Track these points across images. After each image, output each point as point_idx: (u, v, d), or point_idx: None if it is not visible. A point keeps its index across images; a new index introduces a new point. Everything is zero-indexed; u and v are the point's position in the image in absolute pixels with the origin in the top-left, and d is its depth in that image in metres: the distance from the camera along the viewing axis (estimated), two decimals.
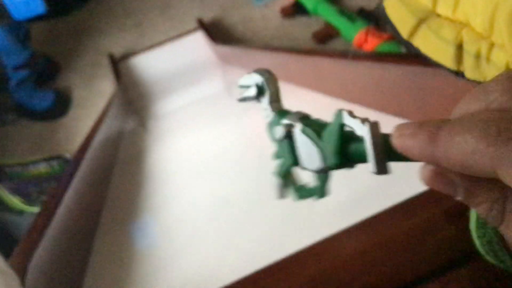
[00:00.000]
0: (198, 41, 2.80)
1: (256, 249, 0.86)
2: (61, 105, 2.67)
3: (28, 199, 1.74)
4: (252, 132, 1.65)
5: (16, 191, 1.75)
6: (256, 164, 1.26)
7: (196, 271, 0.91)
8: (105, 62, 2.82)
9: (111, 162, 1.59)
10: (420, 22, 0.61)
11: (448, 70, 0.59)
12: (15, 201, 1.70)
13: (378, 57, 1.02)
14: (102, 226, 1.20)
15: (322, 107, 1.34)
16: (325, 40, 2.62)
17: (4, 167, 1.92)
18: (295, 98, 1.61)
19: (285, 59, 1.79)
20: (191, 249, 1.00)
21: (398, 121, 0.93)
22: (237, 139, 1.62)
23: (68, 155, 2.20)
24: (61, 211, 0.95)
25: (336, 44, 2.58)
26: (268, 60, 2.04)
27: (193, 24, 2.91)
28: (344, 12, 2.59)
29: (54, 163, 2.06)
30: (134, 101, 2.64)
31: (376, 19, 2.39)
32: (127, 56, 2.80)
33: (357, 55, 1.11)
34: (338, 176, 0.91)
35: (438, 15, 0.60)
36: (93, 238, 1.14)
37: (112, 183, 1.46)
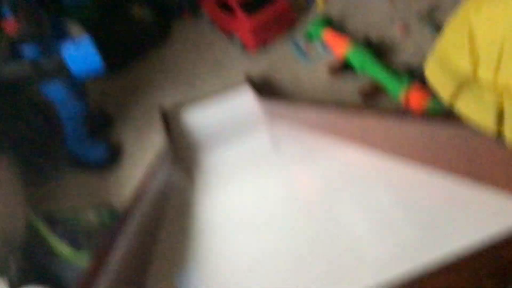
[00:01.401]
0: (246, 96, 2.86)
1: None
2: (113, 156, 2.76)
3: (76, 246, 1.78)
4: (297, 186, 1.65)
5: (65, 237, 1.79)
6: (300, 217, 1.27)
7: None
8: (156, 115, 2.91)
9: (159, 213, 1.62)
10: (461, 86, 0.62)
11: (490, 132, 0.60)
12: (64, 247, 1.74)
13: (426, 118, 1.02)
14: (151, 278, 1.22)
15: (369, 163, 1.35)
16: (372, 97, 2.64)
17: (55, 213, 1.97)
18: (343, 153, 1.62)
19: (332, 114, 1.80)
20: None
21: (447, 180, 0.92)
22: (282, 192, 1.62)
23: (117, 205, 2.25)
24: (112, 262, 0.97)
25: (382, 101, 2.59)
26: (315, 115, 2.06)
27: (242, 79, 2.98)
28: (391, 69, 2.62)
29: (104, 212, 2.11)
30: (182, 154, 2.69)
31: (422, 76, 2.40)
32: (177, 109, 2.88)
33: (405, 114, 1.11)
34: (382, 228, 0.91)
35: (479, 79, 0.61)
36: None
37: (161, 234, 1.48)
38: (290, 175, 1.84)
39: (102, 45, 2.30)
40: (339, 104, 2.06)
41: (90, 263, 0.97)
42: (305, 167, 1.83)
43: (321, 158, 1.82)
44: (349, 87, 2.77)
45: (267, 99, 2.71)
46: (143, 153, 2.74)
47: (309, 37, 3.15)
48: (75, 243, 1.78)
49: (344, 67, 2.85)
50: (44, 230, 1.79)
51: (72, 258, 1.72)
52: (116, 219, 1.98)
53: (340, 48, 2.87)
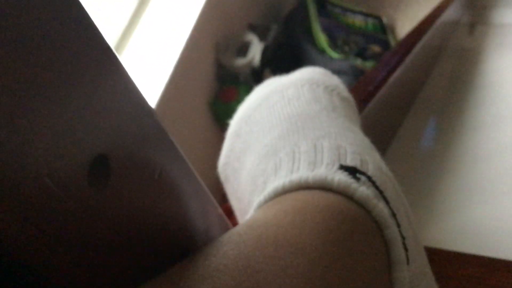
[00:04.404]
0: None
1: None
2: None
3: (333, 42, 1.72)
4: None
5: (326, 30, 1.74)
6: None
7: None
8: None
9: (436, 53, 1.53)
10: None
11: None
12: (321, 38, 1.69)
13: None
14: (410, 116, 1.22)
15: None
16: None
17: (326, 2, 1.90)
18: None
19: None
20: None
21: None
22: None
23: (385, 20, 2.01)
24: (383, 84, 1.01)
25: None
26: None
27: None
28: None
29: (370, 21, 1.94)
30: None
31: None
32: None
33: None
34: None
35: None
36: (401, 124, 1.18)
37: (432, 77, 1.42)
38: None
39: None
40: None
41: (362, 77, 1.03)
42: None
43: None
44: None
45: None
46: None
47: None
48: (333, 39, 1.71)
49: None
50: (313, 11, 1.77)
51: (325, 51, 1.66)
52: (382, 32, 1.87)
53: None
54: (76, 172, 0.17)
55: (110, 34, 1.22)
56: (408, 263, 0.31)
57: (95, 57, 0.18)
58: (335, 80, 0.50)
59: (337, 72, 1.30)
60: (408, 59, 1.14)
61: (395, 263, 0.30)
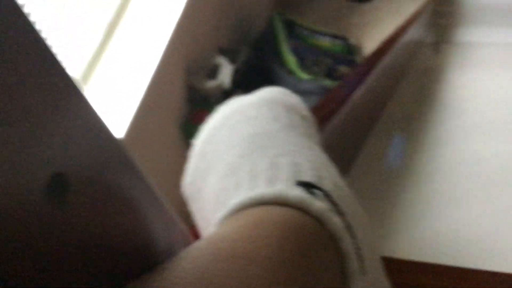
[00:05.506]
0: None
1: None
2: None
3: (302, 63, 1.74)
4: None
5: (295, 51, 1.76)
6: None
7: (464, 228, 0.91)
8: None
9: (400, 71, 1.55)
10: None
11: None
12: (290, 59, 1.71)
13: None
14: (374, 133, 1.25)
15: None
16: None
17: (295, 25, 1.93)
18: None
19: None
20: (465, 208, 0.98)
21: None
22: None
23: (352, 41, 2.04)
24: (347, 102, 1.04)
25: None
26: None
27: None
28: None
29: (337, 42, 1.97)
30: (444, 14, 2.02)
31: None
32: None
33: None
34: None
35: None
36: (365, 141, 1.20)
37: (396, 95, 1.43)
38: None
39: None
40: None
41: (325, 96, 1.03)
42: None
43: None
44: None
45: None
46: None
47: None
48: (301, 61, 1.74)
49: None
50: (281, 33, 1.79)
51: (295, 73, 1.69)
52: (349, 53, 1.89)
53: None
54: (33, 189, 0.18)
55: (80, 57, 1.23)
56: (364, 273, 0.33)
57: (54, 87, 0.20)
58: (294, 99, 0.51)
59: (306, 92, 1.32)
60: (371, 78, 1.17)
61: (350, 275, 0.32)
